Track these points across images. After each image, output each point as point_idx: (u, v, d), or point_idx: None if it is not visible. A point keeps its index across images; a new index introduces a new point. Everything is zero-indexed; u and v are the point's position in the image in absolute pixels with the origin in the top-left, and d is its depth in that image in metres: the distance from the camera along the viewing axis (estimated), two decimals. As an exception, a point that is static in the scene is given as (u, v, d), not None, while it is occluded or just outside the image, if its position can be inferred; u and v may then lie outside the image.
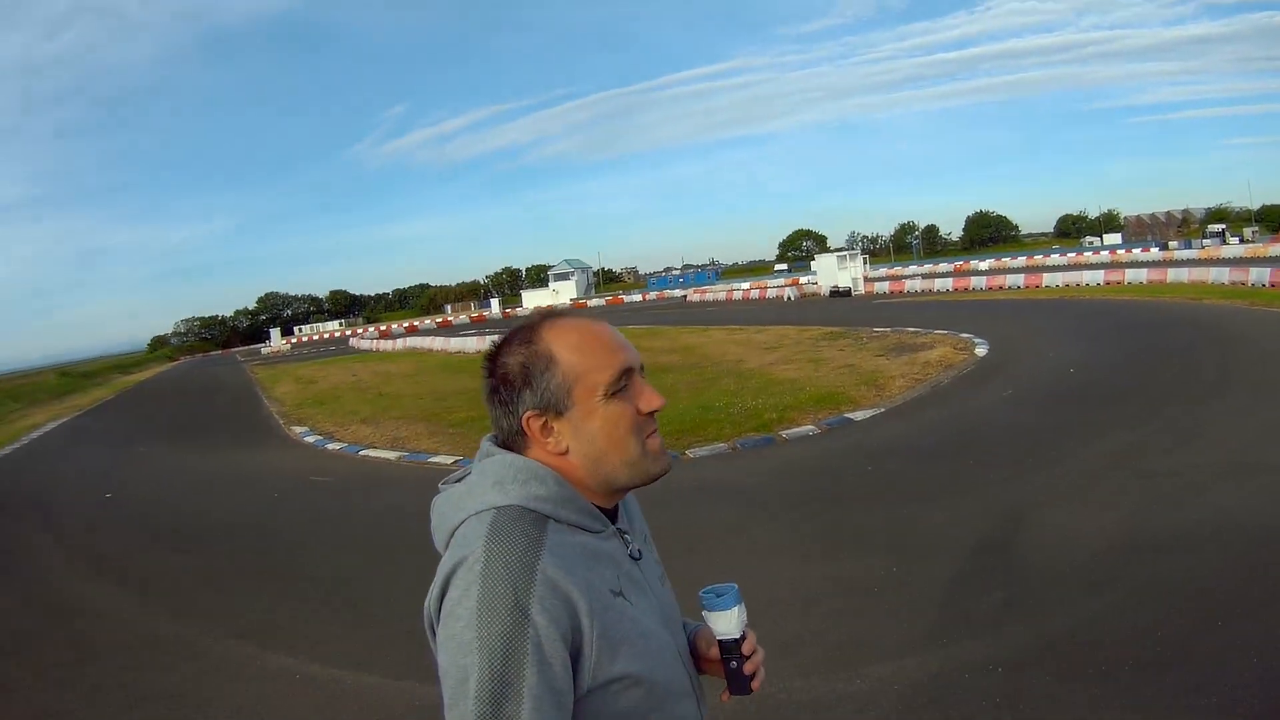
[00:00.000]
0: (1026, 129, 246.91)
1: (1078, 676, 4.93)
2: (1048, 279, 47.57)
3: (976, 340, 22.75)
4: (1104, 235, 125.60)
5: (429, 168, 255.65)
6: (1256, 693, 4.60)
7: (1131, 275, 43.31)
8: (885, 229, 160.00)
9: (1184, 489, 8.58)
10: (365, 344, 58.91)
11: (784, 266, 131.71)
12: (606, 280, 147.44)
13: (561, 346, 1.49)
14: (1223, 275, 36.69)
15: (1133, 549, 7.01)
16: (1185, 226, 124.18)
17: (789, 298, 59.72)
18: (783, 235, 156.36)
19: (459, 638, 1.28)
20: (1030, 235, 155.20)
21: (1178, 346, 18.94)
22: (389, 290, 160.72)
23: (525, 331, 1.55)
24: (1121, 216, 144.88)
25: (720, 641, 1.64)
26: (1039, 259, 78.58)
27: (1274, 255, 55.33)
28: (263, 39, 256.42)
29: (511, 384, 1.50)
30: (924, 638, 5.62)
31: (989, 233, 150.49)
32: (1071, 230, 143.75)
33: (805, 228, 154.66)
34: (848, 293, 55.40)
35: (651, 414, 1.54)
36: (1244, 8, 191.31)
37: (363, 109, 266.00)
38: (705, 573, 6.83)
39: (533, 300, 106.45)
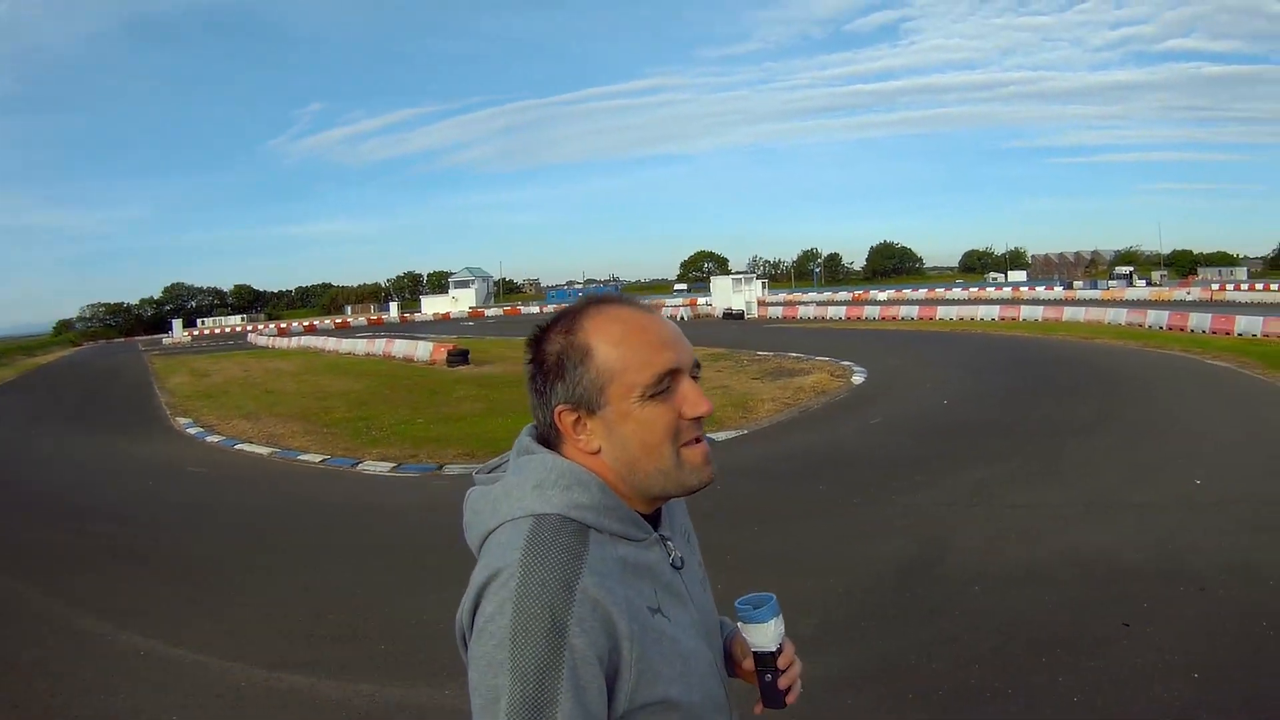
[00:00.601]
0: (941, 164, 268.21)
1: (891, 702, 5.28)
2: (943, 312, 50.49)
3: (856, 368, 24.16)
4: (1009, 272, 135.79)
5: (343, 167, 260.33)
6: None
7: (1027, 312, 45.91)
8: (789, 255, 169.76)
9: (1039, 524, 9.08)
10: (263, 340, 60.85)
11: (683, 286, 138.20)
12: (507, 291, 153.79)
13: (601, 339, 1.45)
14: (1120, 316, 39.56)
15: (976, 580, 7.41)
16: (1093, 267, 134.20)
17: (682, 318, 62.45)
18: (686, 255, 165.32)
19: (491, 657, 1.28)
20: (935, 268, 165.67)
21: (1058, 384, 20.32)
22: (292, 288, 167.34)
23: (569, 318, 1.51)
24: (1029, 255, 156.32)
25: (756, 654, 1.65)
26: (939, 292, 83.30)
27: (1178, 299, 59.79)
28: (186, 25, 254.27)
29: (547, 373, 1.48)
30: None
31: (892, 263, 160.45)
32: (976, 266, 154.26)
33: (709, 249, 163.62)
34: (741, 315, 58.74)
35: (696, 420, 1.48)
36: (1170, 57, 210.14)
37: (281, 103, 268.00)
38: None
39: (431, 306, 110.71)
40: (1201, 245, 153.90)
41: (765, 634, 1.63)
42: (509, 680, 1.26)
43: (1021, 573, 7.62)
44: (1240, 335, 30.83)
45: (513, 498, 1.44)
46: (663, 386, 1.44)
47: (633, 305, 1.52)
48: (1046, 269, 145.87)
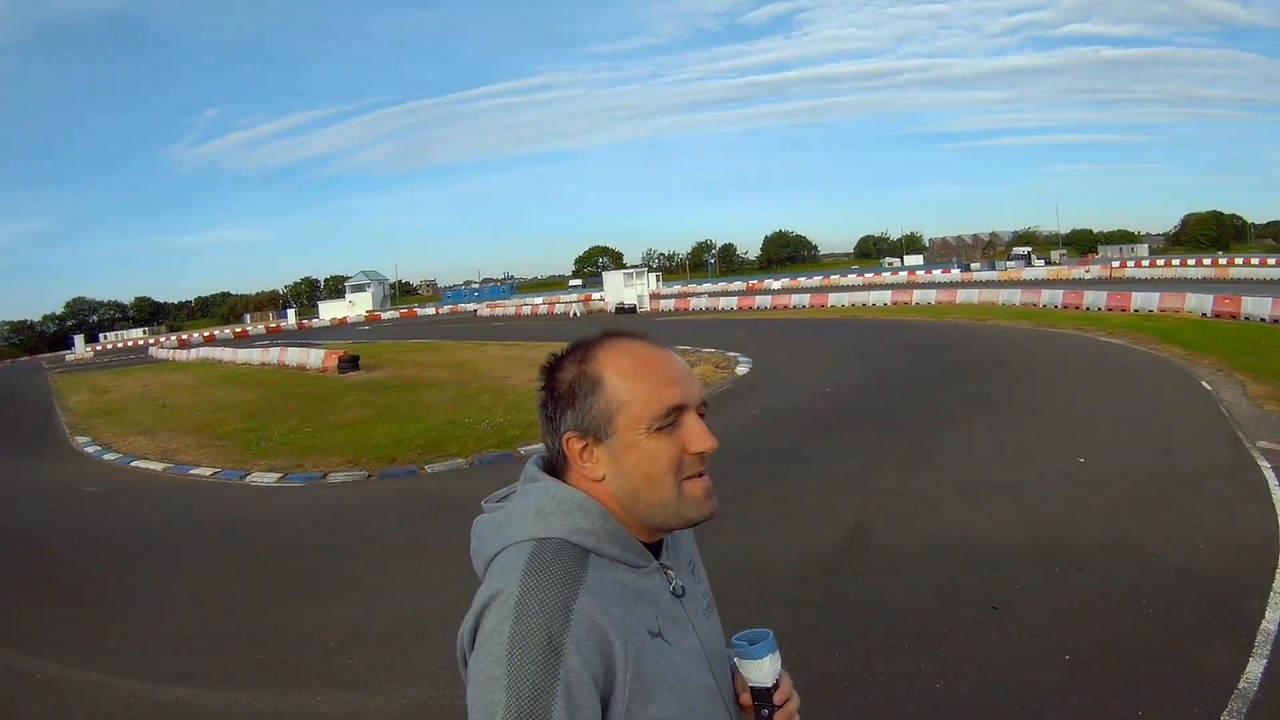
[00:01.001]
0: (836, 152, 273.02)
1: None
2: (835, 299, 52.19)
3: (742, 359, 24.99)
4: (905, 257, 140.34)
5: (239, 173, 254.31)
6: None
7: (920, 296, 47.78)
8: (684, 247, 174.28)
9: (911, 510, 9.40)
10: (163, 353, 61.63)
11: (578, 282, 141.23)
12: (403, 293, 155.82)
13: (612, 370, 1.55)
14: (1015, 297, 41.22)
15: (839, 569, 7.73)
16: (991, 249, 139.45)
17: (575, 314, 64.51)
18: (581, 251, 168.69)
19: (488, 673, 1.35)
20: (831, 256, 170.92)
21: (945, 367, 21.27)
22: (192, 298, 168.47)
23: (582, 348, 1.61)
24: (925, 239, 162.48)
25: (752, 689, 1.70)
26: (834, 279, 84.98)
27: (1076, 278, 62.37)
28: (79, 31, 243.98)
29: (558, 400, 1.57)
30: None
31: (787, 252, 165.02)
32: (872, 251, 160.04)
33: (604, 244, 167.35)
34: (633, 309, 60.64)
35: (699, 455, 1.56)
36: (1070, 41, 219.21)
37: (178, 110, 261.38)
38: (413, 581, 8.25)
39: (329, 311, 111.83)
40: (1103, 225, 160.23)
41: (761, 670, 1.69)
42: (504, 696, 1.33)
43: (888, 560, 7.88)
44: (1136, 311, 32.25)
45: (515, 523, 1.53)
46: (668, 420, 1.54)
47: (645, 341, 1.62)
48: (944, 252, 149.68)
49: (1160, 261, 78.97)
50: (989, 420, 14.15)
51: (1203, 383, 16.50)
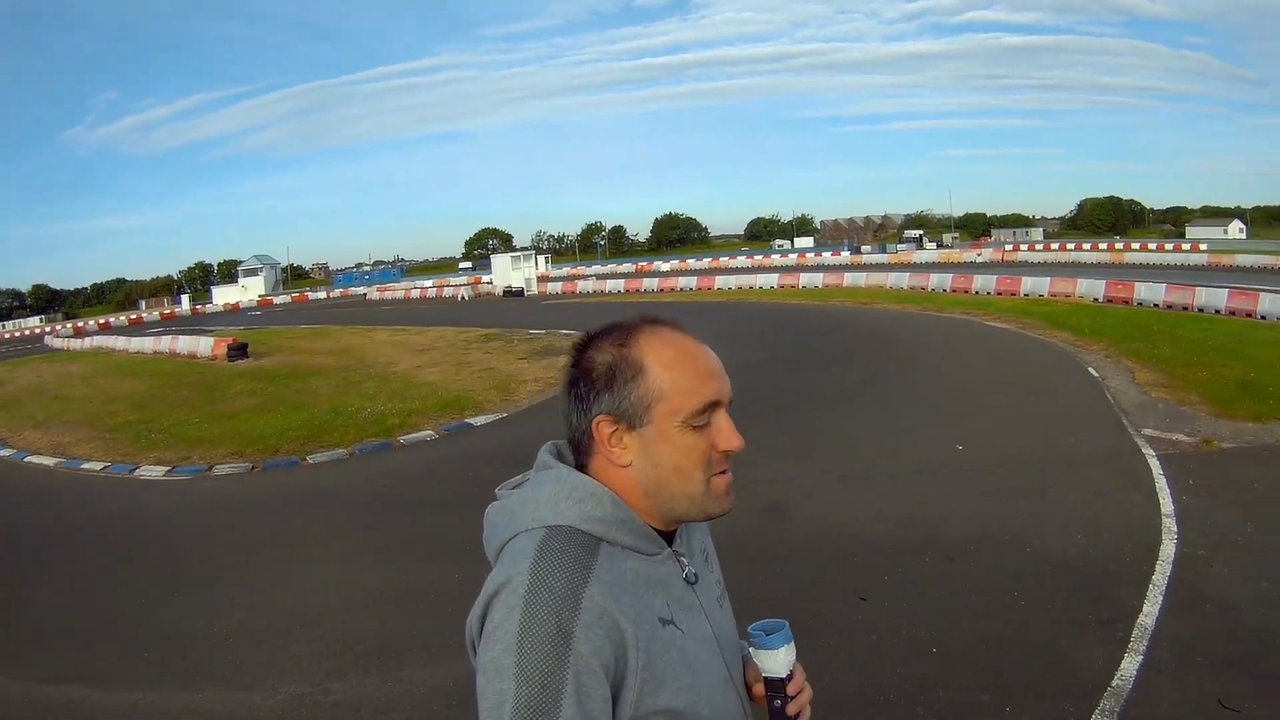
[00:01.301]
0: (729, 135, 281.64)
1: None
2: (722, 281, 53.22)
3: None
4: (795, 239, 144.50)
5: (138, 156, 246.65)
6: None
7: (808, 279, 48.73)
8: (574, 229, 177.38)
9: (782, 499, 9.56)
10: (59, 342, 60.29)
11: (468, 265, 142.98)
12: (295, 277, 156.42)
13: (655, 359, 1.57)
14: (903, 280, 42.10)
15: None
16: (882, 231, 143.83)
17: (463, 297, 65.55)
18: (472, 233, 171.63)
19: (498, 662, 1.39)
20: (722, 237, 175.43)
21: (827, 352, 21.90)
22: (89, 284, 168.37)
23: (622, 332, 1.63)
24: (818, 221, 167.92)
25: (766, 679, 1.76)
26: (723, 261, 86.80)
27: (967, 261, 64.14)
28: None
29: (593, 382, 1.59)
30: (458, 643, 6.23)
31: (677, 234, 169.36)
32: (762, 233, 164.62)
33: (494, 227, 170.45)
34: (521, 293, 61.69)
35: (727, 453, 1.61)
36: (970, 28, 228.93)
37: (74, 94, 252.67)
38: (291, 575, 8.66)
39: (222, 297, 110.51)
40: (999, 209, 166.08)
41: (776, 660, 1.74)
42: (514, 685, 1.37)
43: (754, 550, 7.98)
44: (1026, 296, 33.26)
45: (527, 510, 1.56)
46: (705, 417, 1.58)
47: (685, 332, 1.65)
48: (836, 234, 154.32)
49: (1055, 245, 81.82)
50: (870, 407, 14.49)
51: (1090, 369, 16.96)
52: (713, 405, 1.59)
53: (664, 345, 1.60)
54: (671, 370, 1.57)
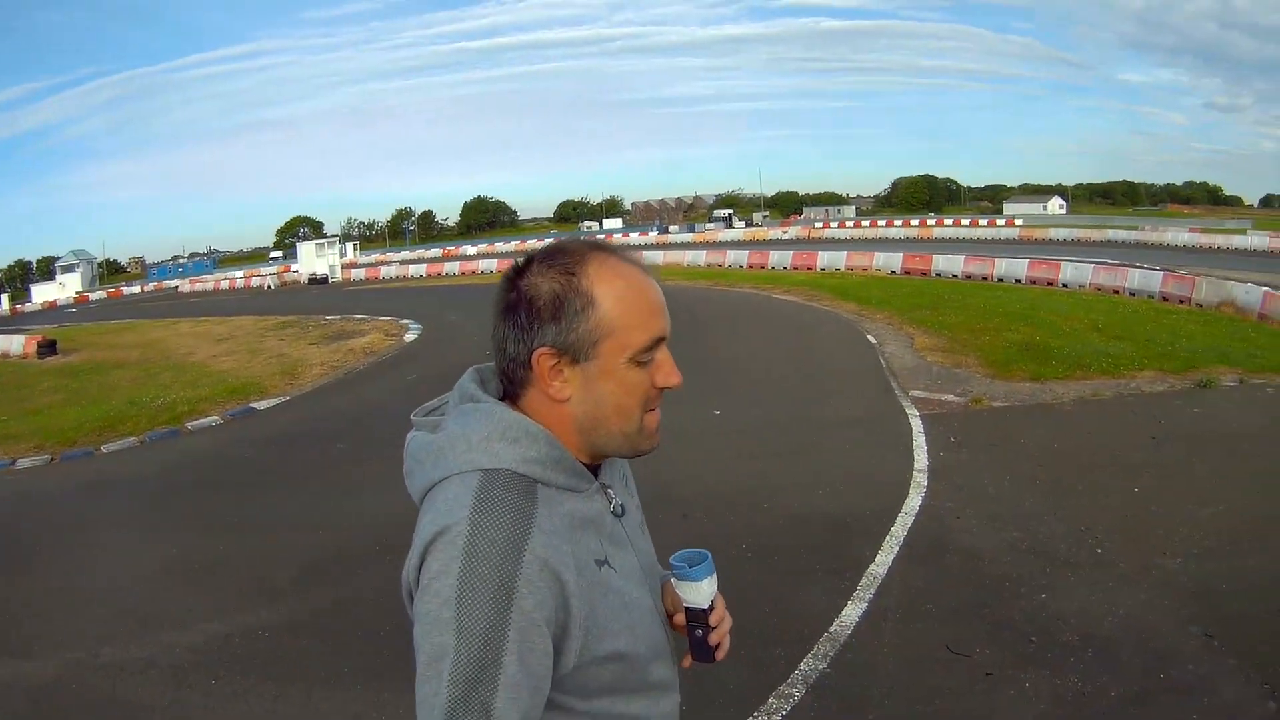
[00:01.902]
0: (543, 118, 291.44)
1: (333, 645, 6.36)
2: None
3: (414, 326, 26.17)
4: (604, 220, 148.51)
5: None
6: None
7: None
8: (387, 215, 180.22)
9: None
10: None
11: (279, 254, 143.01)
12: (113, 271, 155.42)
13: (605, 292, 1.52)
14: (700, 257, 44.05)
15: None
16: (693, 211, 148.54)
17: (270, 287, 65.74)
18: (284, 222, 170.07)
19: (437, 615, 1.38)
20: (533, 220, 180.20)
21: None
22: None
23: (567, 257, 1.56)
24: (628, 203, 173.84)
25: (688, 609, 1.77)
26: (531, 244, 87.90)
27: (773, 239, 67.14)
28: None
29: (536, 310, 1.53)
30: (223, 607, 7.15)
31: (486, 218, 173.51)
32: (572, 216, 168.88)
33: (307, 214, 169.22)
34: (325, 280, 62.24)
35: (662, 390, 1.60)
36: (789, 11, 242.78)
37: None
38: (79, 558, 8.88)
39: (41, 295, 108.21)
40: (814, 187, 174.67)
41: (699, 591, 1.76)
42: (454, 639, 1.35)
43: None
44: (822, 270, 34.69)
45: (458, 449, 1.50)
46: (650, 353, 1.55)
47: (633, 262, 1.60)
48: (647, 215, 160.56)
49: (866, 223, 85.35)
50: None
51: (869, 337, 17.78)
52: (659, 340, 1.57)
53: (615, 277, 1.55)
54: (622, 304, 1.53)
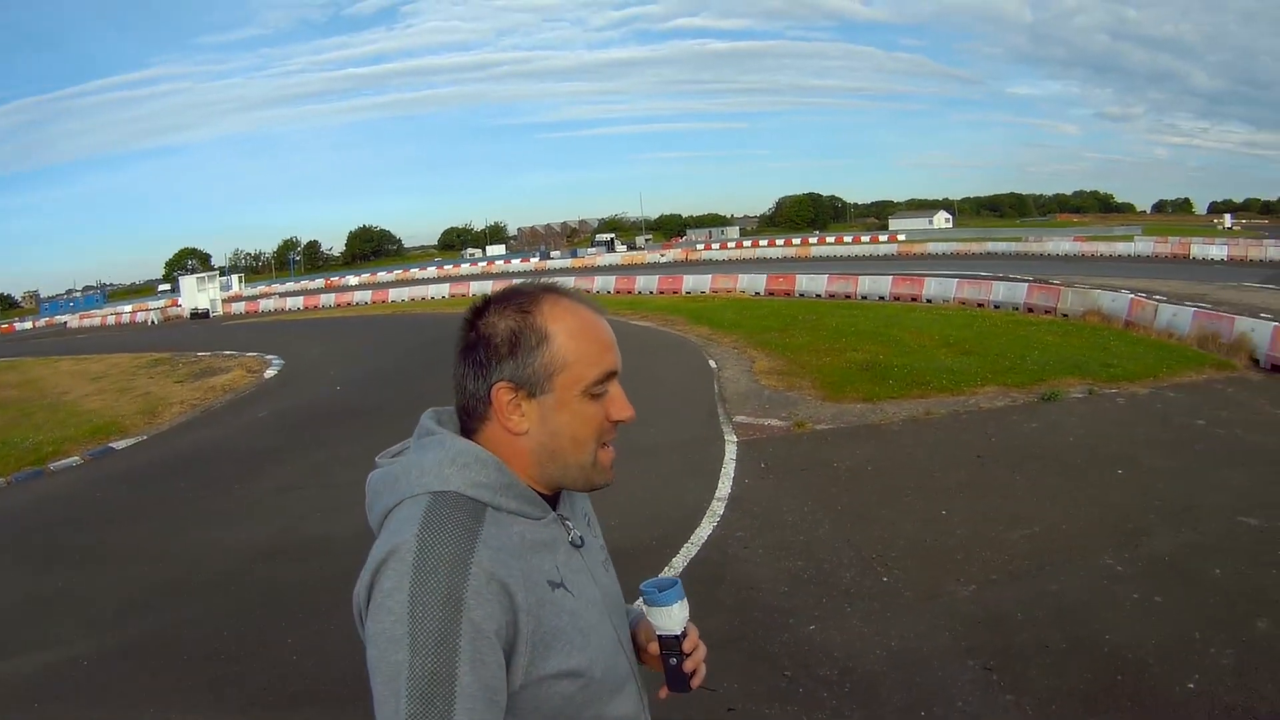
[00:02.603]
0: (430, 145, 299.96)
1: (151, 674, 6.53)
2: (397, 294, 56.28)
3: (276, 361, 26.38)
4: (488, 247, 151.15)
5: None
6: (274, 690, 6.02)
7: (477, 287, 51.06)
8: (273, 245, 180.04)
9: (351, 501, 9.53)
10: None
11: (166, 287, 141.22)
12: (5, 306, 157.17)
13: (559, 328, 1.63)
14: (570, 284, 44.23)
15: (265, 557, 8.87)
16: (576, 236, 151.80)
17: (153, 322, 65.74)
18: (173, 254, 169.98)
19: (389, 632, 1.41)
20: (421, 248, 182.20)
21: (442, 357, 23.15)
22: None
23: (523, 298, 1.68)
24: (513, 229, 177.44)
25: (660, 638, 1.82)
26: (413, 272, 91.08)
27: (652, 261, 69.07)
28: None
29: (494, 348, 1.64)
30: (49, 638, 7.34)
31: (371, 247, 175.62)
32: (456, 243, 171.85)
33: (195, 246, 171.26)
34: (207, 314, 62.86)
35: (616, 424, 1.70)
36: (676, 34, 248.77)
37: None
38: None
39: None
40: (700, 209, 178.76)
41: (670, 617, 1.79)
42: (408, 654, 1.39)
43: (306, 550, 8.97)
44: (688, 293, 35.49)
45: (411, 476, 1.59)
46: (603, 386, 1.66)
47: (585, 302, 1.72)
48: (533, 240, 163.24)
49: (748, 243, 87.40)
50: None
51: (710, 361, 18.06)
52: (610, 375, 1.66)
53: (567, 314, 1.64)
54: (575, 339, 1.62)
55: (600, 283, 42.06)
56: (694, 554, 7.63)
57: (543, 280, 1.81)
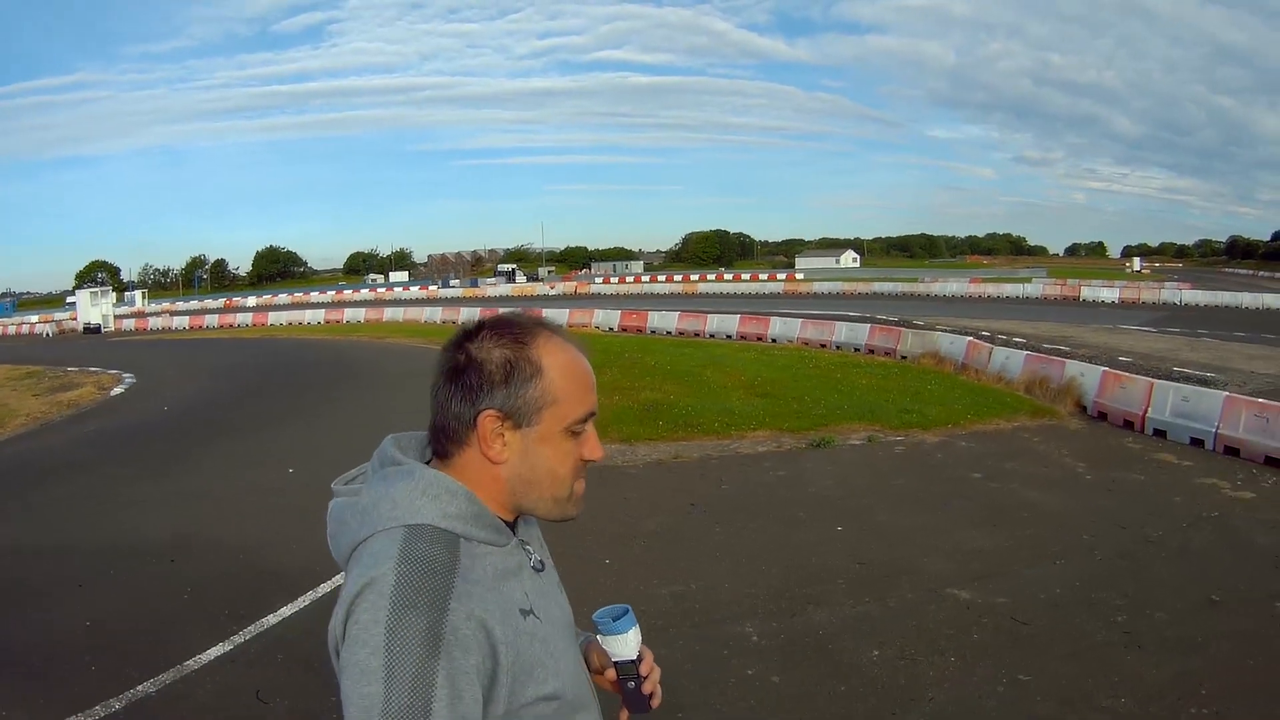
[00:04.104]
0: (345, 167, 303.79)
1: None
2: (276, 318, 57.59)
3: (128, 378, 26.78)
4: (391, 273, 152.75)
5: None
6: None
7: (351, 314, 53.43)
8: (182, 261, 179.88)
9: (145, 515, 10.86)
10: None
11: (74, 300, 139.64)
12: None
13: (552, 364, 1.65)
14: (437, 314, 46.34)
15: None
16: (480, 266, 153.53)
17: (47, 334, 65.96)
18: (83, 265, 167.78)
19: (365, 665, 1.41)
20: (330, 271, 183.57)
21: (292, 382, 24.80)
22: None
23: (516, 329, 1.69)
24: (419, 255, 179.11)
25: (617, 664, 1.89)
26: (307, 296, 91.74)
27: (540, 294, 71.71)
28: None
29: (487, 374, 1.63)
30: None
31: (278, 268, 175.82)
32: (361, 267, 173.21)
33: (105, 258, 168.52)
34: (98, 329, 61.91)
35: (588, 462, 1.74)
36: (599, 66, 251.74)
37: None
38: None
39: None
40: (608, 242, 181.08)
41: (626, 644, 1.87)
42: (383, 689, 1.39)
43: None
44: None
45: (382, 508, 1.58)
46: (584, 425, 1.70)
47: (574, 341, 1.75)
48: (443, 267, 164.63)
49: (647, 278, 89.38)
50: (276, 433, 16.41)
51: None
52: (591, 415, 1.71)
53: (560, 351, 1.67)
54: (565, 377, 1.65)
55: (466, 314, 41.70)
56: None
57: (531, 312, 1.84)
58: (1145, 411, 14.33)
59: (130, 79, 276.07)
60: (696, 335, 32.24)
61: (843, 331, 27.39)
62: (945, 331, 25.29)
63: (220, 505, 11.15)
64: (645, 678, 1.91)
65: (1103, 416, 15.22)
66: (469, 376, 1.63)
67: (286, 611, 7.39)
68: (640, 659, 1.90)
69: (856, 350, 25.91)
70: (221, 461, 14.06)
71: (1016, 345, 23.04)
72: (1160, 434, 13.88)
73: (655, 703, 1.93)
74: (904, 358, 23.49)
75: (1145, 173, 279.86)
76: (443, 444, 1.67)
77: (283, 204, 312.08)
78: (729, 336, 31.08)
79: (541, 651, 1.60)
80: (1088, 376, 16.25)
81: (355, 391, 22.25)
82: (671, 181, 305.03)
